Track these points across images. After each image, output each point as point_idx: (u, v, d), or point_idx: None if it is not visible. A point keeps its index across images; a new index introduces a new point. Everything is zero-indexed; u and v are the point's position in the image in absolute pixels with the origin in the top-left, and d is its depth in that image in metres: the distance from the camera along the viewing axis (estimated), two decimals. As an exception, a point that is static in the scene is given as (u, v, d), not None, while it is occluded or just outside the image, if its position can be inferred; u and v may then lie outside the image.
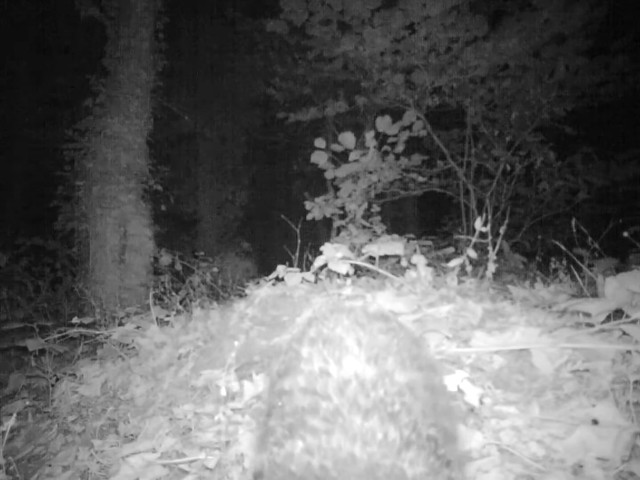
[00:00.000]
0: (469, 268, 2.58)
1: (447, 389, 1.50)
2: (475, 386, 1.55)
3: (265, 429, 0.84)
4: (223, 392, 1.52)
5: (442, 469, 0.72)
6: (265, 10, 7.01)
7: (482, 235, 2.47)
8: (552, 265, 3.20)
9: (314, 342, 0.90)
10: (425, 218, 10.29)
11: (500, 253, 4.06)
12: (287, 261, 2.97)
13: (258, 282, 3.19)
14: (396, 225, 6.49)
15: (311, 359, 0.86)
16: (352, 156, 4.74)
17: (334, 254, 2.43)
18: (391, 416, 0.73)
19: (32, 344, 2.81)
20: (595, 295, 2.12)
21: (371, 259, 2.70)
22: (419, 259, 2.50)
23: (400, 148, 4.97)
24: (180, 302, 3.76)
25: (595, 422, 1.28)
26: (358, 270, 3.08)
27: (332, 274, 2.83)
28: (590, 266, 2.69)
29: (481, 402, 1.49)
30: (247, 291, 3.00)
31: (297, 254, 3.25)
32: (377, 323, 0.95)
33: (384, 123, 4.76)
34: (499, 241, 2.56)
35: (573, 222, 2.85)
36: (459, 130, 6.42)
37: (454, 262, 2.43)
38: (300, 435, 0.72)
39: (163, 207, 6.31)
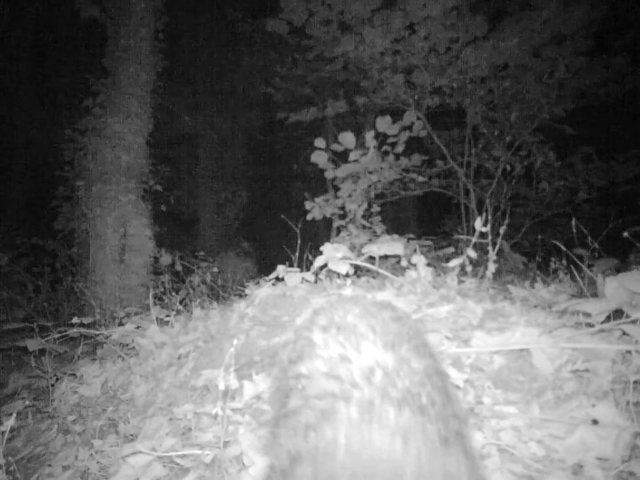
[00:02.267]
0: (469, 268, 2.58)
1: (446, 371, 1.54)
2: (460, 372, 1.57)
3: (285, 410, 0.83)
4: (222, 387, 1.52)
5: (474, 466, 0.71)
6: (265, 10, 7.02)
7: (482, 235, 2.47)
8: (552, 265, 3.20)
9: (326, 329, 0.91)
10: (425, 218, 10.30)
11: (500, 253, 4.06)
12: (287, 261, 2.97)
13: (258, 282, 3.19)
14: (396, 225, 6.49)
15: (327, 345, 0.86)
16: (352, 156, 4.74)
17: (334, 254, 2.43)
18: (421, 410, 0.72)
19: (32, 344, 2.81)
20: (595, 295, 2.12)
21: (371, 259, 2.70)
22: (419, 259, 2.50)
23: (400, 148, 4.97)
24: (180, 302, 3.76)
25: (595, 422, 1.28)
26: (358, 270, 3.08)
27: (332, 274, 2.83)
28: (590, 266, 2.69)
29: (481, 402, 1.49)
30: (247, 291, 3.00)
31: (297, 254, 3.25)
32: (386, 311, 0.97)
33: (384, 123, 4.76)
34: (499, 241, 2.56)
35: (573, 222, 2.85)
36: (459, 130, 6.43)
37: (454, 262, 2.43)
38: (336, 426, 0.70)
39: (163, 207, 6.31)
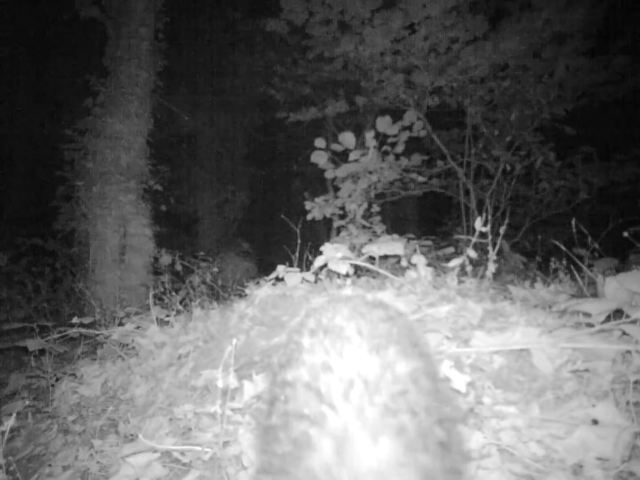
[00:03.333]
0: (469, 268, 2.58)
1: (442, 374, 1.52)
2: (462, 374, 1.56)
3: (269, 422, 0.81)
4: (221, 386, 1.52)
5: None
6: (265, 10, 7.01)
7: (482, 235, 2.46)
8: (552, 265, 3.20)
9: (314, 333, 0.88)
10: (425, 218, 10.29)
11: (500, 253, 4.06)
12: (287, 261, 2.97)
13: (258, 282, 3.19)
14: (396, 225, 6.48)
15: (313, 350, 0.83)
16: (352, 156, 4.74)
17: (334, 254, 2.43)
18: (399, 431, 0.68)
19: (32, 344, 2.81)
20: (595, 295, 2.12)
21: (371, 259, 2.70)
22: (419, 259, 2.50)
23: (400, 148, 4.97)
24: (180, 302, 3.76)
25: (595, 422, 1.28)
26: (358, 270, 3.08)
27: (332, 274, 2.83)
28: (590, 266, 2.69)
29: (481, 402, 1.49)
30: (247, 291, 3.00)
31: (297, 254, 3.25)
32: (377, 311, 0.94)
33: (384, 123, 4.76)
34: (499, 241, 2.56)
35: (573, 222, 2.85)
36: (459, 130, 6.43)
37: (454, 262, 2.43)
38: (309, 473, 0.65)
39: (163, 207, 6.31)
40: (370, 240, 4.16)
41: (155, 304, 3.30)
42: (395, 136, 4.87)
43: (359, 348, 0.81)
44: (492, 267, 2.53)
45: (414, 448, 0.67)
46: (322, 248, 2.49)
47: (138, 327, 2.89)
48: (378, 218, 4.73)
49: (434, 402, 0.77)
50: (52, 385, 2.68)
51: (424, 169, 5.78)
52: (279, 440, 0.73)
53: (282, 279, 2.65)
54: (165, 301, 3.94)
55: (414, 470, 0.64)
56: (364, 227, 4.63)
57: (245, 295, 3.00)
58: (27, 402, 2.57)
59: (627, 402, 1.33)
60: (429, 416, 0.73)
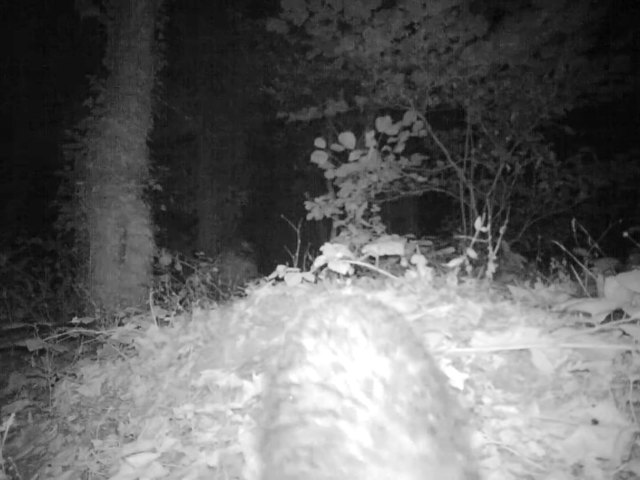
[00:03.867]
0: (469, 268, 2.58)
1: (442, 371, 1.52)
2: (460, 372, 1.56)
3: (275, 424, 0.79)
4: (221, 385, 1.52)
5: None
6: (265, 10, 7.02)
7: (482, 235, 2.46)
8: (552, 265, 3.19)
9: (317, 334, 0.87)
10: (425, 218, 10.30)
11: (500, 253, 4.06)
12: (287, 261, 2.97)
13: (258, 282, 3.19)
14: (396, 225, 6.48)
15: (317, 351, 0.83)
16: (352, 156, 4.75)
17: (334, 254, 2.43)
18: (432, 431, 0.68)
19: (32, 344, 2.82)
20: (595, 295, 2.12)
21: (371, 259, 2.70)
22: (419, 259, 2.50)
23: (400, 148, 4.97)
24: (180, 302, 3.76)
25: (595, 422, 1.28)
26: (358, 270, 3.08)
27: (332, 274, 2.83)
28: (590, 266, 2.69)
29: (481, 402, 1.49)
30: (247, 291, 3.00)
31: (297, 254, 3.25)
32: (377, 311, 0.94)
33: (384, 123, 4.76)
34: (499, 241, 2.56)
35: (573, 222, 2.85)
36: (459, 130, 6.43)
37: (454, 262, 2.43)
38: (348, 456, 0.64)
39: (163, 207, 6.32)
40: (370, 240, 4.16)
41: (155, 304, 3.30)
42: (395, 136, 4.87)
43: (366, 349, 0.81)
44: (492, 267, 2.53)
45: (447, 447, 0.67)
46: (322, 248, 2.49)
47: (138, 327, 2.89)
48: (378, 218, 4.73)
49: (444, 404, 0.77)
50: (52, 385, 2.68)
51: (424, 169, 5.78)
52: (296, 436, 0.73)
53: (282, 279, 2.65)
54: (165, 301, 3.94)
55: (456, 467, 0.65)
56: (364, 227, 4.62)
57: (245, 295, 3.00)
58: (27, 402, 2.58)
59: (627, 402, 1.33)
60: (448, 418, 0.74)
